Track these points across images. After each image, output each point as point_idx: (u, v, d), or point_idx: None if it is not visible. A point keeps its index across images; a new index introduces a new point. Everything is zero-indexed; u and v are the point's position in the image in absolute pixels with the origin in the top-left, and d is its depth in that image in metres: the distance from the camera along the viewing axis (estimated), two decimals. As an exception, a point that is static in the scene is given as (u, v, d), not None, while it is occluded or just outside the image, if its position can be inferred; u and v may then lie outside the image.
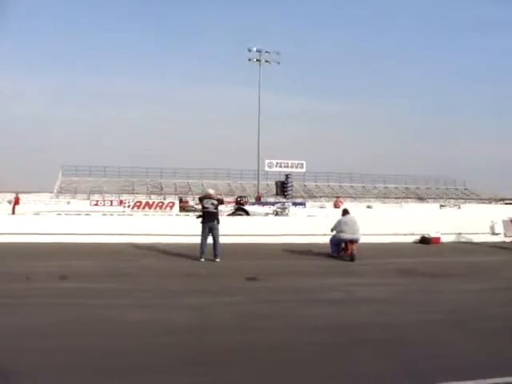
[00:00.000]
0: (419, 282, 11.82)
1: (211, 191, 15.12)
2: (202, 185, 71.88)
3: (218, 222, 14.54)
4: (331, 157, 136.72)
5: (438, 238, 19.78)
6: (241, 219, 21.82)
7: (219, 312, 8.48)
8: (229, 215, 25.66)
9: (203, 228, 14.37)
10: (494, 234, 21.21)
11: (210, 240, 14.34)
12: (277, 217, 27.79)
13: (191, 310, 8.53)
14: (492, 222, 21.59)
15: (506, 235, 21.17)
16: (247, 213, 27.38)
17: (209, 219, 14.39)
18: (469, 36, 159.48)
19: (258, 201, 52.98)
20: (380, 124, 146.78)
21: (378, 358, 6.28)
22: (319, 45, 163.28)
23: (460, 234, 20.74)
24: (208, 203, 14.48)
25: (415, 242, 19.90)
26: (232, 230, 17.68)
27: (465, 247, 19.08)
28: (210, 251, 14.21)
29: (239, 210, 28.25)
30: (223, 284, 11.13)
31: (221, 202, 15.19)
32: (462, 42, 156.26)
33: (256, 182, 65.30)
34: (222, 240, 14.70)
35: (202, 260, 14.05)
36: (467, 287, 11.20)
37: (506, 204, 52.34)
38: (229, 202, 52.94)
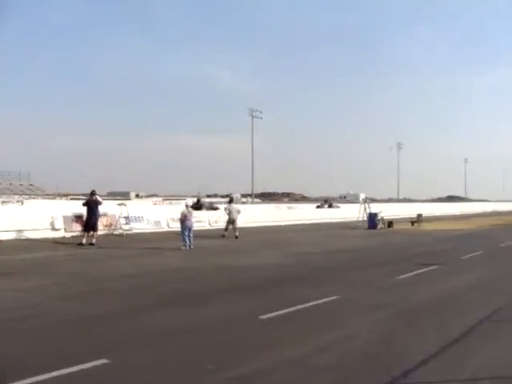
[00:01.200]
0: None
1: None
2: None
3: None
4: None
5: (-3, 237, 18.72)
6: None
7: None
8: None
9: None
10: (54, 229, 21.39)
11: None
12: None
13: None
14: (52, 217, 21.72)
15: (66, 230, 21.60)
16: None
17: None
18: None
19: None
20: None
21: None
22: None
23: (21, 230, 20.13)
24: None
25: (-29, 241, 18.36)
26: None
27: (26, 244, 18.66)
28: None
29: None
30: None
31: None
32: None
33: None
34: None
35: None
36: (26, 285, 10.86)
37: (72, 199, 53.76)
38: None
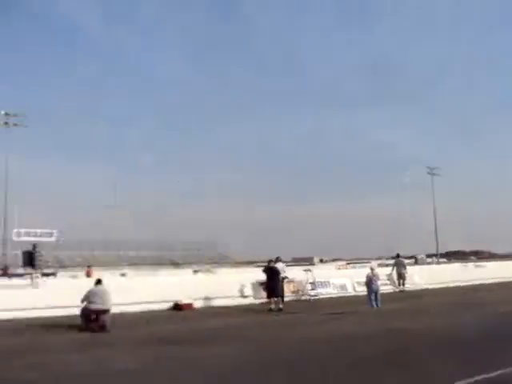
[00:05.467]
0: (174, 350, 11.55)
1: None
2: None
3: None
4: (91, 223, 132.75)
5: (191, 304, 20.08)
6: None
7: None
8: None
9: None
10: (243, 296, 22.25)
11: None
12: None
13: None
14: (241, 285, 22.66)
15: (255, 297, 22.33)
16: None
17: None
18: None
19: (5, 273, 47.58)
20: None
21: None
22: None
23: (212, 298, 21.28)
24: None
25: (169, 309, 19.90)
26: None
27: (217, 311, 19.56)
28: None
29: None
30: None
31: None
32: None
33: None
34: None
35: None
36: (223, 352, 11.20)
37: (258, 267, 55.56)
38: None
